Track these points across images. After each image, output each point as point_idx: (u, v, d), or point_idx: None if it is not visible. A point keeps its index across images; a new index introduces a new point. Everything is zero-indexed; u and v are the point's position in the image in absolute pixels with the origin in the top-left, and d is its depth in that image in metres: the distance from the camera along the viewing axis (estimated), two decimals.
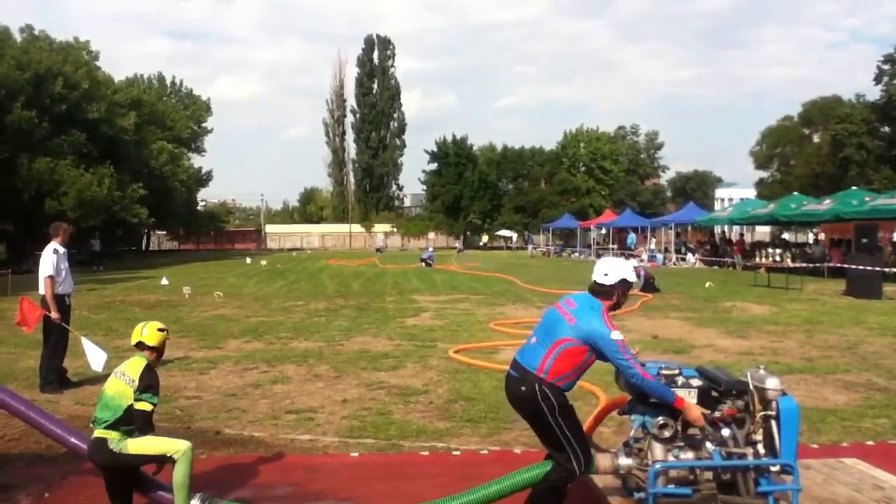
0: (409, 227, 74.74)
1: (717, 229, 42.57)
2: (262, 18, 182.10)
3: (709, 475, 4.24)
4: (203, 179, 66.36)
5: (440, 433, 6.50)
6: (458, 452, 5.97)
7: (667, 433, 4.22)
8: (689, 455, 4.20)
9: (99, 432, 4.41)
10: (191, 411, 7.30)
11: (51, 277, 8.32)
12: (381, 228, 69.67)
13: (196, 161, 66.11)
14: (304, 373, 9.22)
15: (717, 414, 4.26)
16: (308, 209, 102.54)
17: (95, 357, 8.44)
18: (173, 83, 70.19)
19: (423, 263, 35.95)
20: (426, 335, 12.27)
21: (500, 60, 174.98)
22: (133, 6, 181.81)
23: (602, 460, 4.35)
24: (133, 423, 4.41)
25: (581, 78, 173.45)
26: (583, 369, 4.26)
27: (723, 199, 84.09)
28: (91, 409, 7.12)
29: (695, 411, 4.16)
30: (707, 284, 22.63)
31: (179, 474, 4.34)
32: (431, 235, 45.82)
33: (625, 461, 4.30)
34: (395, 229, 71.68)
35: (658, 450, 4.21)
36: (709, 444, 4.22)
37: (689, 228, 44.75)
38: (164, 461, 4.42)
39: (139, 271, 29.32)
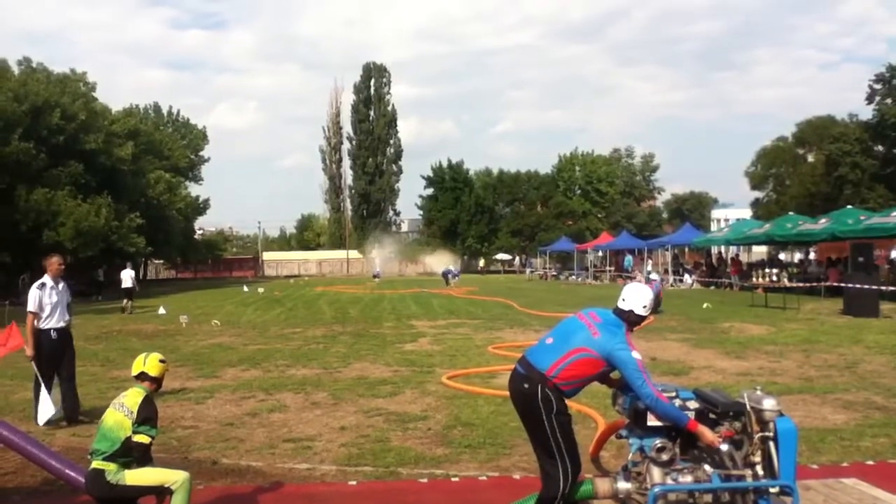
0: (406, 252, 74.84)
1: (714, 250, 42.66)
2: (258, 48, 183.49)
3: (708, 498, 4.24)
4: (200, 208, 66.51)
5: (439, 460, 6.47)
6: (456, 479, 5.94)
7: (665, 456, 4.22)
8: (687, 478, 4.20)
9: (97, 464, 4.40)
10: (188, 441, 7.26)
11: (32, 314, 8.13)
12: (378, 254, 69.65)
13: (193, 190, 66.39)
14: (302, 401, 9.18)
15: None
16: (305, 236, 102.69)
17: (44, 410, 8.06)
18: (170, 113, 70.72)
19: (444, 278, 41.51)
20: (424, 361, 12.24)
21: (496, 86, 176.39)
22: (129, 38, 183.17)
23: (601, 484, 4.35)
24: (131, 454, 4.40)
25: (576, 102, 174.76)
26: (589, 381, 4.35)
27: (719, 220, 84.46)
28: (88, 440, 7.10)
29: (709, 434, 4.17)
30: (705, 305, 22.64)
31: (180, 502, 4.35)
32: (428, 259, 46.34)
33: (624, 485, 4.30)
34: (392, 255, 71.68)
35: (657, 473, 4.21)
36: (707, 467, 4.22)
37: (686, 249, 44.85)
38: (162, 492, 4.41)
39: (136, 301, 29.24)
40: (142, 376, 4.68)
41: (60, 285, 8.49)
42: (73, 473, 4.86)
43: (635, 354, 4.21)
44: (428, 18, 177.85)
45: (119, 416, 4.47)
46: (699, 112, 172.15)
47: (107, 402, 7.97)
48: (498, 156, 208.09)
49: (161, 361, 4.77)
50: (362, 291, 37.37)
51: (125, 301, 25.88)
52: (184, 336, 16.94)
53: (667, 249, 44.14)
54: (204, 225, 78.46)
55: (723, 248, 41.85)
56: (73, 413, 8.21)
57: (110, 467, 4.38)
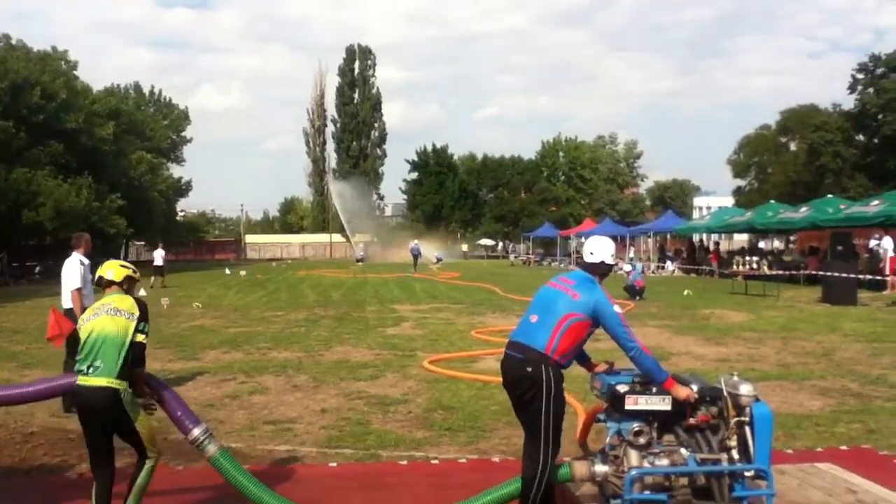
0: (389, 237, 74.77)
1: (696, 237, 42.94)
2: (244, 27, 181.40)
3: (684, 481, 4.27)
4: (182, 189, 66.00)
5: (419, 442, 6.50)
6: (436, 461, 5.97)
7: (642, 440, 4.25)
8: (664, 461, 4.23)
9: (106, 381, 4.13)
10: (168, 423, 7.23)
11: (78, 290, 7.99)
12: (361, 238, 69.43)
13: (175, 171, 65.81)
14: (283, 383, 9.18)
15: (692, 420, 4.30)
16: (288, 219, 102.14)
17: None
18: (151, 93, 69.86)
19: (413, 259, 42.01)
20: (406, 345, 12.26)
21: (483, 71, 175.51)
22: (113, 16, 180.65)
23: (579, 467, 4.38)
24: (134, 364, 4.27)
25: (564, 88, 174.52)
26: (581, 346, 4.36)
27: (701, 208, 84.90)
28: (65, 421, 7.07)
29: (684, 391, 4.20)
30: (686, 292, 22.81)
31: (147, 476, 4.32)
32: (415, 242, 46.16)
33: (601, 468, 4.33)
34: (375, 239, 71.51)
35: (634, 456, 4.24)
36: (683, 450, 4.26)
37: (668, 237, 45.10)
38: (143, 449, 4.32)
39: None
40: (103, 282, 4.50)
41: (87, 263, 8.33)
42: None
43: (616, 308, 4.24)
44: (417, 1, 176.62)
45: (120, 320, 4.24)
46: (685, 100, 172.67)
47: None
48: (484, 141, 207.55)
49: (122, 266, 4.59)
50: (345, 275, 37.31)
51: (152, 278, 27.93)
52: (165, 318, 16.85)
53: (649, 236, 44.38)
54: (186, 207, 77.92)
55: (704, 236, 42.14)
56: None
57: (122, 386, 4.17)
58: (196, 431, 4.46)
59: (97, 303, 4.47)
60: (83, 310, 7.85)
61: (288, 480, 5.48)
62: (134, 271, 4.66)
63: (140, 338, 4.30)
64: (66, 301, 8.08)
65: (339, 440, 6.58)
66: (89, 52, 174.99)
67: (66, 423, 7.29)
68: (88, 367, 4.19)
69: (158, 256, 29.59)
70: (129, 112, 54.98)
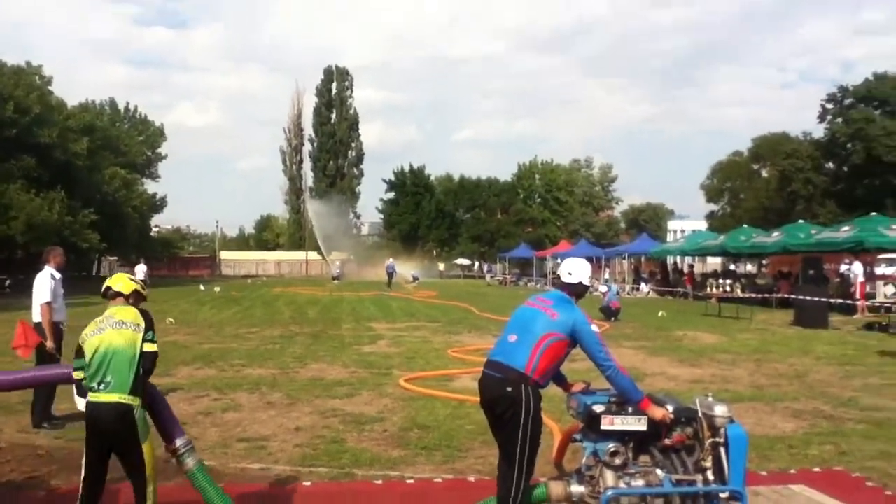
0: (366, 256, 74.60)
1: (670, 260, 43.31)
2: (222, 48, 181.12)
3: (659, 502, 4.30)
4: (157, 205, 65.43)
5: (394, 461, 6.46)
6: (411, 481, 5.93)
7: (618, 460, 4.27)
8: (639, 482, 4.25)
9: (118, 397, 4.02)
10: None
11: (48, 304, 7.84)
12: (337, 256, 69.19)
13: (150, 187, 65.30)
14: (257, 400, 9.09)
15: (667, 441, 4.32)
16: (264, 236, 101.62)
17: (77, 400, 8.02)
18: (127, 109, 69.46)
19: (388, 277, 42.34)
20: (382, 363, 12.21)
21: (462, 94, 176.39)
22: (90, 33, 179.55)
23: (555, 488, 4.38)
24: (141, 380, 4.17)
25: (541, 112, 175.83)
26: (559, 366, 4.38)
27: (675, 231, 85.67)
28: (73, 443, 6.92)
29: (659, 411, 4.23)
30: (660, 314, 22.96)
31: None
32: (390, 260, 46.13)
33: (577, 488, 4.33)
34: (352, 257, 71.28)
35: (609, 477, 4.26)
36: (659, 471, 4.28)
37: (643, 259, 45.45)
38: (142, 481, 4.13)
39: (89, 297, 28.61)
40: (113, 295, 4.41)
41: (59, 277, 8.21)
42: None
43: (594, 328, 4.27)
44: (396, 24, 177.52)
45: (127, 332, 4.14)
46: (660, 126, 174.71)
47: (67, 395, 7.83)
48: (461, 162, 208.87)
49: (130, 279, 4.52)
50: (321, 293, 37.12)
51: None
52: None
53: (624, 258, 44.69)
54: (161, 223, 77.15)
55: (678, 259, 42.51)
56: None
57: (136, 402, 4.07)
58: (179, 442, 4.43)
59: (99, 317, 4.33)
60: (53, 324, 7.79)
61: (261, 499, 5.41)
62: (143, 287, 4.60)
63: (149, 347, 4.21)
64: (37, 315, 7.95)
65: (314, 458, 6.52)
66: (65, 68, 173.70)
67: (34, 439, 7.17)
68: (99, 384, 4.08)
69: (140, 271, 30.27)
70: (104, 128, 54.50)
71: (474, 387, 4.56)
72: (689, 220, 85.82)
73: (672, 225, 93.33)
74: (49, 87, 43.60)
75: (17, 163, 37.10)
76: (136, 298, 4.50)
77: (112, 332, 4.16)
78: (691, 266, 40.16)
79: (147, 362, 4.20)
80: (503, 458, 4.24)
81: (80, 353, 4.25)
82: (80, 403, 7.91)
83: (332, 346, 14.46)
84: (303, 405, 8.79)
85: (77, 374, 4.31)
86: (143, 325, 4.24)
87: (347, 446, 6.92)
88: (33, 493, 5.57)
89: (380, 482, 5.88)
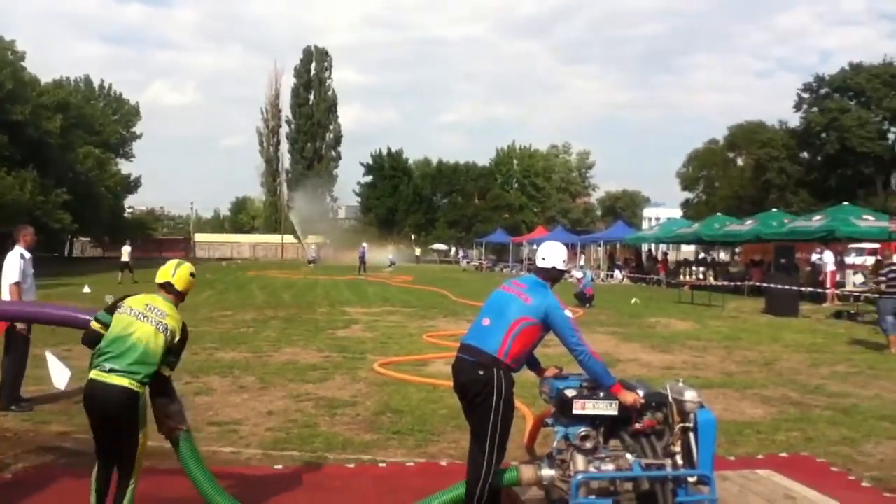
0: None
1: (644, 247, 43.64)
2: (200, 25, 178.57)
3: (629, 486, 4.34)
4: (131, 186, 64.78)
5: (366, 445, 6.46)
6: (383, 465, 5.94)
7: (588, 444, 4.29)
8: (609, 466, 4.27)
9: (129, 383, 3.99)
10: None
11: (17, 284, 7.71)
12: (314, 239, 68.86)
13: (124, 167, 64.51)
14: (229, 384, 9.04)
15: (637, 425, 4.35)
16: (239, 218, 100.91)
17: (59, 374, 7.90)
18: (101, 87, 68.51)
19: (360, 262, 42.20)
20: (356, 347, 12.19)
21: (442, 77, 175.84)
22: (66, 7, 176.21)
23: (526, 471, 4.40)
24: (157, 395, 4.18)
25: (520, 97, 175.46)
26: (532, 350, 4.39)
27: (650, 219, 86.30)
28: (41, 426, 6.85)
29: (630, 396, 4.26)
30: (633, 301, 23.15)
31: (131, 499, 4.15)
32: (363, 245, 45.85)
33: (548, 472, 4.35)
34: (328, 241, 71.00)
35: (580, 461, 4.28)
36: (629, 456, 4.31)
37: (618, 246, 45.74)
38: (130, 468, 4.13)
39: (61, 278, 28.30)
40: (167, 287, 4.30)
41: (29, 257, 8.07)
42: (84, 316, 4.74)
43: (567, 313, 4.28)
44: (377, 5, 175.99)
45: (161, 339, 4.09)
46: (638, 113, 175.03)
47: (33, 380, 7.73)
48: (440, 147, 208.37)
49: (192, 276, 4.39)
50: (297, 276, 36.96)
51: (119, 274, 29.60)
52: None
53: (599, 245, 44.96)
54: (134, 203, 76.33)
55: (653, 246, 42.83)
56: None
57: (142, 391, 4.05)
58: (173, 407, 4.42)
59: (150, 299, 4.25)
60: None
61: (233, 482, 5.38)
62: (195, 276, 4.50)
63: (165, 371, 4.18)
64: (6, 295, 7.82)
65: (286, 442, 6.50)
66: (39, 44, 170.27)
67: (2, 422, 7.09)
68: (114, 365, 4.01)
69: (125, 253, 30.46)
70: (78, 105, 53.69)
71: (448, 371, 4.57)
72: (665, 208, 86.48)
73: (648, 212, 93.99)
74: (22, 63, 42.77)
75: None
76: (184, 297, 4.45)
77: (152, 329, 4.12)
78: (665, 254, 40.52)
79: (157, 383, 4.19)
80: (474, 442, 4.25)
81: (111, 310, 4.21)
82: (60, 383, 7.86)
83: (306, 331, 14.41)
84: (275, 389, 8.76)
85: (94, 325, 4.26)
86: (177, 341, 4.18)
87: (320, 430, 6.91)
88: (1, 476, 5.50)
89: (352, 466, 5.89)
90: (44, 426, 6.97)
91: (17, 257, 7.88)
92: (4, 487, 5.24)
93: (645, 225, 75.35)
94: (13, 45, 42.65)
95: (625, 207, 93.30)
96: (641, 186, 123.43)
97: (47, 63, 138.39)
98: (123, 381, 4.00)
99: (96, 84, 68.44)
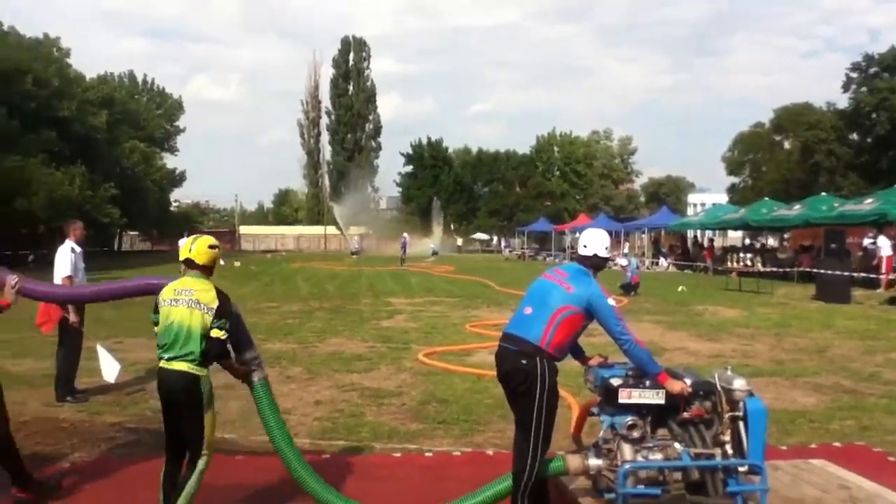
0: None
1: (690, 234, 43.01)
2: (240, 18, 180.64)
3: (677, 476, 4.28)
4: (176, 179, 65.83)
5: (412, 435, 6.50)
6: (430, 454, 5.97)
7: (636, 434, 4.25)
8: (657, 456, 4.23)
9: (188, 367, 4.18)
10: (161, 413, 7.20)
11: (69, 278, 7.88)
12: (356, 231, 69.36)
13: (169, 161, 65.64)
14: (277, 374, 9.14)
15: (685, 415, 4.30)
16: (283, 211, 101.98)
17: (109, 367, 8.12)
18: (145, 81, 69.64)
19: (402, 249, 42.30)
20: (401, 337, 12.26)
21: (478, 64, 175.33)
22: (107, 4, 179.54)
23: (572, 461, 4.39)
24: (219, 357, 4.29)
25: (559, 83, 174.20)
26: (576, 339, 4.36)
27: (695, 205, 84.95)
28: (95, 417, 7.05)
29: (677, 385, 4.20)
30: (680, 288, 22.84)
31: (198, 480, 4.26)
32: (405, 235, 45.96)
33: (595, 462, 4.33)
34: (370, 231, 71.46)
35: (627, 450, 4.25)
36: (677, 445, 4.26)
37: (663, 233, 45.16)
38: (198, 447, 4.27)
39: (111, 272, 28.94)
40: (189, 263, 4.37)
41: (79, 251, 8.25)
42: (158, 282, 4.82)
43: (610, 301, 4.22)
44: None
45: (197, 313, 4.19)
46: (681, 96, 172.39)
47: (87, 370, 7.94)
48: (478, 135, 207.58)
49: (211, 248, 4.41)
50: (340, 268, 37.27)
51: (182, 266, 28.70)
52: None
53: (644, 232, 44.45)
54: (180, 197, 77.68)
55: (698, 233, 42.17)
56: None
57: (202, 373, 4.22)
58: (248, 355, 4.66)
59: (179, 283, 4.35)
60: None
61: (281, 471, 5.45)
62: (218, 247, 4.53)
63: (217, 333, 4.22)
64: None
65: (333, 431, 6.57)
66: (82, 39, 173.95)
67: (58, 412, 7.28)
68: (168, 353, 4.23)
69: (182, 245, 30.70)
70: (123, 101, 54.73)
71: (492, 361, 4.57)
72: (710, 194, 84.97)
73: (692, 198, 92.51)
74: (67, 60, 43.65)
75: (38, 136, 37.24)
76: (212, 268, 4.48)
77: (184, 309, 4.23)
78: (711, 240, 39.86)
79: (212, 347, 4.24)
80: (519, 432, 4.24)
81: (155, 307, 4.36)
82: (109, 376, 8.05)
83: (350, 321, 14.53)
84: (322, 379, 8.86)
85: (154, 327, 4.38)
86: (215, 307, 4.23)
87: (366, 420, 6.98)
88: (58, 466, 5.66)
89: (398, 455, 5.93)
90: (98, 416, 7.16)
91: (69, 251, 8.06)
92: (62, 475, 5.39)
93: (690, 211, 74.24)
94: (58, 42, 43.56)
95: (669, 193, 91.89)
96: (686, 172, 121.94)
97: (89, 58, 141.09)
98: (182, 366, 4.19)
99: (139, 79, 69.64)
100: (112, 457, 5.93)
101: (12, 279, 4.98)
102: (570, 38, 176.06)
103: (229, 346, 4.40)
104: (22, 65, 36.78)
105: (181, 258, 4.45)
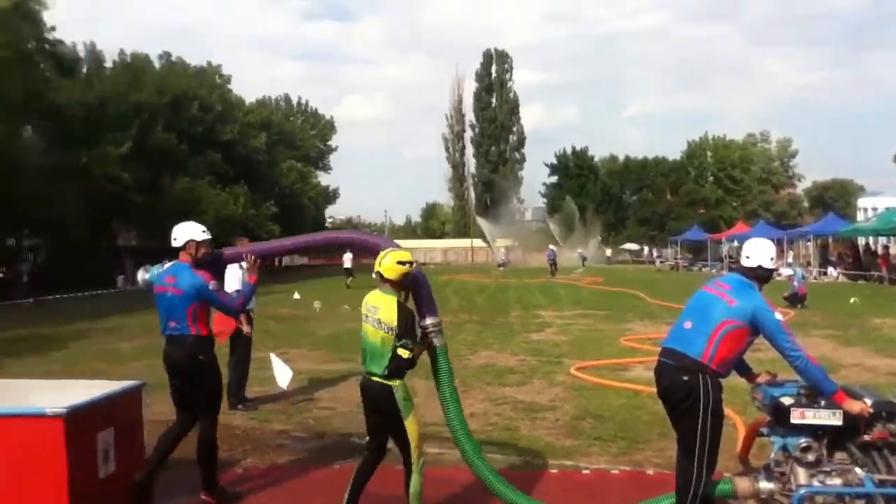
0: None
1: (861, 241, 40.03)
2: (386, 38, 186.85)
3: (860, 503, 4.00)
4: (330, 196, 68.75)
5: (568, 451, 6.43)
6: (587, 471, 5.89)
7: (810, 457, 4.03)
8: (836, 480, 3.99)
9: (381, 380, 4.44)
10: (325, 422, 7.56)
11: (237, 292, 8.27)
12: (502, 242, 69.65)
13: (323, 179, 68.65)
14: (431, 386, 9.24)
15: (867, 437, 4.02)
16: (430, 224, 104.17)
17: (282, 374, 8.64)
18: (299, 103, 73.25)
19: (551, 265, 41.13)
20: (551, 350, 12.18)
21: (622, 70, 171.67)
22: (262, 30, 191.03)
23: (741, 483, 4.21)
24: (401, 369, 4.50)
25: (708, 85, 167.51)
26: (739, 357, 4.19)
27: (866, 209, 78.93)
28: (264, 424, 7.53)
29: (857, 405, 3.94)
30: (852, 300, 21.29)
31: (418, 484, 4.50)
32: (550, 247, 45.59)
33: (766, 485, 4.13)
34: (516, 243, 71.53)
35: (802, 474, 4.03)
36: (859, 470, 3.99)
37: (830, 240, 42.33)
38: (408, 455, 4.49)
39: (272, 286, 30.63)
40: (380, 276, 4.53)
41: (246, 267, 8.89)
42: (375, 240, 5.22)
43: (777, 315, 4.01)
44: (554, 1, 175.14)
45: (379, 334, 4.39)
46: (843, 94, 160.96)
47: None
48: (625, 142, 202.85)
49: (400, 263, 4.47)
50: (487, 280, 37.55)
51: (349, 279, 32.67)
52: (318, 321, 17.56)
53: (809, 240, 41.91)
54: (334, 213, 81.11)
55: (871, 239, 39.20)
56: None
57: (395, 384, 4.44)
58: (428, 321, 4.85)
59: (370, 297, 4.58)
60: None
61: (442, 483, 5.54)
62: (410, 264, 4.57)
63: (402, 353, 4.39)
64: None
65: (487, 444, 6.57)
66: (239, 65, 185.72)
67: (231, 420, 7.75)
68: (366, 364, 4.55)
69: (347, 259, 33.92)
70: (280, 122, 57.97)
71: (650, 376, 4.45)
72: (883, 197, 78.52)
73: (862, 202, 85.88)
74: (228, 86, 46.77)
75: (204, 159, 40.08)
76: (402, 283, 4.58)
77: (369, 327, 4.49)
78: (886, 247, 36.96)
79: (399, 365, 4.44)
80: (682, 451, 4.11)
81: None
82: (283, 382, 8.51)
83: (500, 334, 14.60)
84: (475, 392, 8.94)
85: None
86: (395, 327, 4.37)
87: (520, 434, 6.98)
88: (232, 471, 6.03)
89: (555, 471, 5.89)
90: (267, 424, 7.58)
91: (237, 267, 8.62)
92: (236, 481, 5.75)
93: (860, 216, 69.04)
94: (220, 70, 46.79)
95: (836, 198, 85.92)
96: (853, 174, 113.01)
97: (247, 83, 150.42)
98: (377, 378, 4.46)
99: (294, 101, 73.41)
100: (283, 464, 6.25)
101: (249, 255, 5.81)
102: (717, 38, 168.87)
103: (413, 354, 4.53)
104: (189, 92, 39.76)
105: (375, 271, 4.61)
